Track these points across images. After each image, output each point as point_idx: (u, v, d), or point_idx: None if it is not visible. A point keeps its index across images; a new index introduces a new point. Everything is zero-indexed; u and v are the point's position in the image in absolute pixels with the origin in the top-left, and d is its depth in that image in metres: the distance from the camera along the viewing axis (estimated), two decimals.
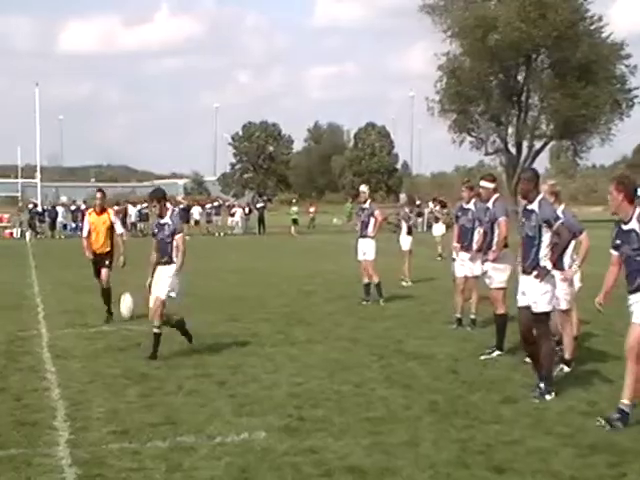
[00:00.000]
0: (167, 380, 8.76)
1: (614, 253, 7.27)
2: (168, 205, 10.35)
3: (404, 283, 18.44)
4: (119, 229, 13.34)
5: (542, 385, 7.99)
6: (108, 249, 13.10)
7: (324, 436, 6.73)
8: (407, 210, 20.51)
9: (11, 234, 45.98)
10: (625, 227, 7.13)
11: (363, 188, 15.91)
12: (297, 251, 33.00)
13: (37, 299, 15.87)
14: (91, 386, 8.56)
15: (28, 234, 44.05)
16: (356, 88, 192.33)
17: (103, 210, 13.29)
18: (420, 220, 33.03)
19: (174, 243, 9.94)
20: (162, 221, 10.08)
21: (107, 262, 13.05)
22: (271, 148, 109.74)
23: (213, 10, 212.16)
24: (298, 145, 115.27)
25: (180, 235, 9.97)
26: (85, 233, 13.44)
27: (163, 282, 9.83)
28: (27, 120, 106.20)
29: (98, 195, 13.51)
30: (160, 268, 9.98)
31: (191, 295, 16.33)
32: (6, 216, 49.61)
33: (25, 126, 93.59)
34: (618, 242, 7.20)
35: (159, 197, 10.20)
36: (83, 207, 50.54)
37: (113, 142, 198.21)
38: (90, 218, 13.34)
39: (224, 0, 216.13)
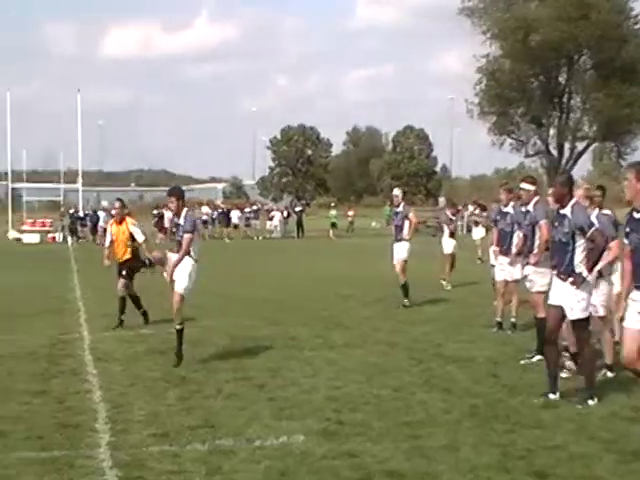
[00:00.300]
0: (206, 383, 8.80)
1: (626, 242, 7.17)
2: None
3: (444, 282, 18.37)
4: (140, 237, 13.20)
5: (554, 393, 7.90)
6: (128, 257, 13.10)
7: (363, 440, 6.71)
8: (449, 213, 20.43)
9: (54, 238, 46.64)
10: (637, 215, 7.01)
11: (396, 192, 15.90)
12: (335, 255, 33.00)
13: (79, 303, 16.06)
14: (132, 389, 8.63)
15: (70, 238, 44.64)
16: (395, 91, 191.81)
17: (122, 220, 13.31)
18: (460, 223, 32.82)
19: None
20: (178, 221, 10.05)
21: (125, 272, 13.02)
22: (309, 152, 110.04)
23: (252, 14, 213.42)
24: (337, 148, 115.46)
25: (188, 235, 9.85)
26: (107, 243, 13.49)
27: (181, 277, 9.81)
28: (69, 126, 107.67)
29: (117, 205, 13.51)
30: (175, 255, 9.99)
31: (230, 298, 16.45)
32: (48, 221, 50.35)
33: (67, 132, 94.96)
34: (627, 230, 7.10)
35: (178, 194, 10.12)
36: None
37: (153, 146, 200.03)
38: (112, 229, 13.44)
39: (262, 4, 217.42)
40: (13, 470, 6.01)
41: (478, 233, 27.23)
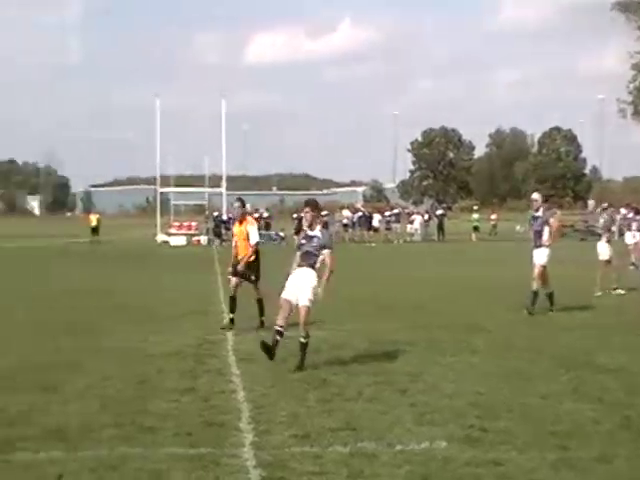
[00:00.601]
0: (347, 386, 8.79)
1: None
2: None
3: (612, 291, 17.74)
4: (253, 238, 13.12)
5: None
6: (252, 259, 13.09)
7: (508, 449, 6.49)
8: (607, 217, 19.68)
9: (199, 241, 48.21)
10: None
11: (535, 196, 15.43)
12: (477, 258, 32.45)
13: (222, 305, 16.43)
14: (273, 390, 8.72)
15: (214, 241, 46.02)
16: (539, 91, 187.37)
17: (243, 219, 13.40)
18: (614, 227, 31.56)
19: (320, 257, 9.80)
20: (311, 233, 9.95)
21: (251, 276, 13.06)
22: (451, 154, 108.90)
23: (394, 18, 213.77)
24: (479, 151, 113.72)
25: (329, 251, 9.79)
26: (234, 243, 13.68)
27: (306, 289, 9.66)
28: (214, 131, 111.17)
29: (236, 204, 13.60)
30: (301, 270, 9.86)
31: (370, 302, 16.43)
32: (194, 224, 52.16)
33: (212, 137, 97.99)
34: None
35: (314, 205, 10.11)
36: (266, 215, 52.23)
37: (295, 150, 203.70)
38: (234, 228, 13.69)
39: (406, 7, 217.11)
40: (164, 465, 6.17)
41: (631, 237, 26.11)
